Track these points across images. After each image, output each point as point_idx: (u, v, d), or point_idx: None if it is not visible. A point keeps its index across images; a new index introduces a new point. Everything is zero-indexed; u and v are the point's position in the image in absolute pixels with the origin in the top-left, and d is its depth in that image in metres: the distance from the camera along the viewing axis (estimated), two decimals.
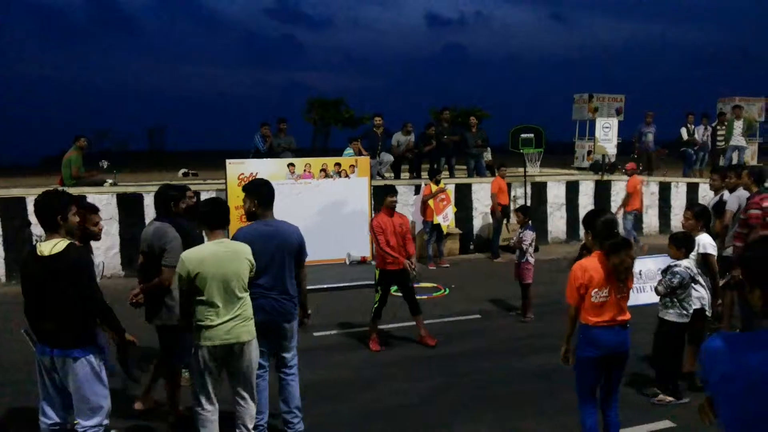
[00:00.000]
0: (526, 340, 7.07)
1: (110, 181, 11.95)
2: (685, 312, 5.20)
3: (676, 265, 5.18)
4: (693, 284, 5.25)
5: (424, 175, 13.42)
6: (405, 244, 6.78)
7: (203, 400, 4.07)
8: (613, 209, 13.53)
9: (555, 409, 5.13)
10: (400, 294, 7.15)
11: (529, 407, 5.27)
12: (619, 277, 3.95)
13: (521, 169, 13.95)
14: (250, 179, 10.51)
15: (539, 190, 13.77)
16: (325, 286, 9.43)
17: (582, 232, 4.51)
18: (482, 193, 13.01)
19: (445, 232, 11.78)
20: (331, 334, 7.37)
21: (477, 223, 13.18)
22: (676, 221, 14.85)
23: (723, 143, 15.59)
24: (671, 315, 5.22)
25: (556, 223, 13.89)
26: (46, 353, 3.71)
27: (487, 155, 15.03)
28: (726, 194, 7.14)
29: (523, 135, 13.16)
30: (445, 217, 11.68)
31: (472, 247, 12.94)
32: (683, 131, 15.80)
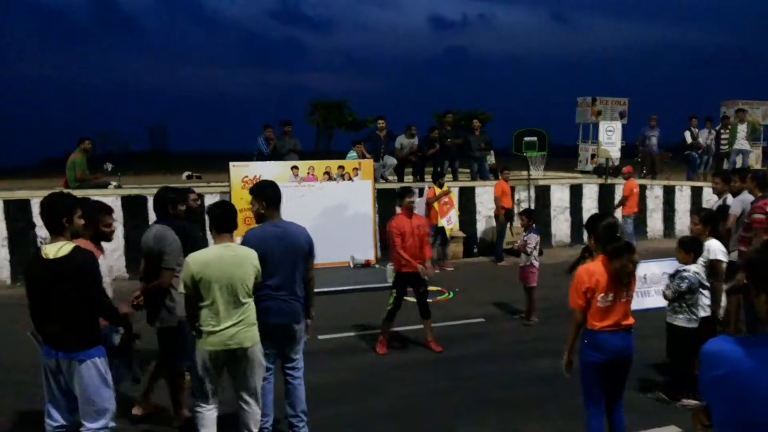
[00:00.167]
0: (531, 344, 7.06)
1: (114, 183, 11.98)
2: (694, 317, 5.17)
3: (684, 270, 5.16)
4: (702, 290, 5.21)
5: (428, 178, 13.42)
6: (422, 246, 6.74)
7: (202, 401, 4.09)
8: (617, 213, 13.54)
9: (559, 413, 5.12)
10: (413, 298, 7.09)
11: (534, 411, 5.27)
12: (622, 282, 3.94)
13: (525, 173, 13.95)
14: (254, 182, 10.61)
15: (543, 194, 13.76)
16: (329, 289, 9.43)
17: (586, 235, 4.51)
18: (486, 197, 13.01)
19: (449, 236, 11.78)
20: (335, 337, 7.37)
21: (481, 226, 13.18)
22: (680, 225, 14.84)
23: (727, 147, 15.56)
24: (680, 320, 5.19)
25: (560, 226, 13.88)
26: (51, 356, 3.71)
27: (491, 158, 15.04)
28: (729, 198, 7.13)
29: (526, 138, 13.17)
30: (449, 221, 11.67)
31: (475, 250, 12.93)
32: (687, 135, 15.78)
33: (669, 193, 14.89)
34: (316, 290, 4.78)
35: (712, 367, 1.83)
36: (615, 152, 14.63)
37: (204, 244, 4.74)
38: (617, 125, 14.92)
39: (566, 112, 20.43)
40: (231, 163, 11.06)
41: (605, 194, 14.19)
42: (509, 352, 6.82)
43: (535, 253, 7.84)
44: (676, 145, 16.87)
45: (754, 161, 16.86)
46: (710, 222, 5.61)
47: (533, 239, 7.81)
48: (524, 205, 13.35)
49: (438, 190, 11.35)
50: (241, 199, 10.80)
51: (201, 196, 11.09)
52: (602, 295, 3.94)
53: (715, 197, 7.86)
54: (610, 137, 14.52)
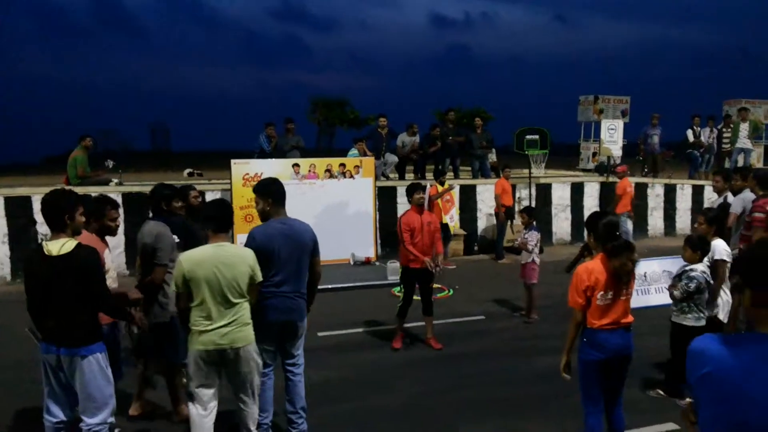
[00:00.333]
0: (531, 342, 7.06)
1: (116, 180, 11.99)
2: (702, 315, 5.14)
3: (692, 270, 5.10)
4: (709, 289, 5.18)
5: (429, 176, 13.43)
6: (433, 242, 6.75)
7: (197, 404, 4.01)
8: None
9: (560, 412, 5.12)
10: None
11: (534, 409, 5.27)
12: (621, 280, 3.94)
13: (526, 171, 13.95)
14: (256, 179, 10.62)
15: (544, 192, 13.76)
16: (330, 286, 9.44)
17: (586, 233, 4.51)
18: (487, 195, 13.01)
19: (452, 233, 11.80)
20: (335, 334, 7.38)
21: (481, 224, 13.19)
22: (681, 223, 14.84)
23: (729, 145, 15.54)
24: (689, 320, 5.13)
25: (561, 224, 13.88)
26: (51, 352, 3.72)
27: (492, 156, 15.03)
28: (729, 196, 7.12)
29: (528, 136, 13.15)
30: (452, 218, 11.71)
31: (476, 248, 12.94)
32: (689, 133, 15.76)
33: (670, 192, 14.88)
34: (317, 288, 4.80)
35: (698, 365, 1.84)
36: (617, 150, 14.62)
37: (205, 241, 4.75)
38: (619, 124, 14.91)
39: (568, 110, 20.43)
40: (232, 161, 11.07)
41: (606, 192, 14.18)
42: (509, 350, 6.83)
43: (536, 250, 7.84)
44: (678, 144, 16.85)
45: (756, 160, 16.86)
46: (716, 222, 5.60)
47: (534, 237, 7.81)
48: (525, 203, 13.35)
49: (440, 188, 11.35)
50: (242, 197, 10.83)
51: (202, 194, 11.12)
52: (601, 293, 3.94)
53: (716, 195, 7.85)
54: (612, 135, 14.52)
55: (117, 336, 4.73)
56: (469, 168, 14.44)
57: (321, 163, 11.56)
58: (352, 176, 11.47)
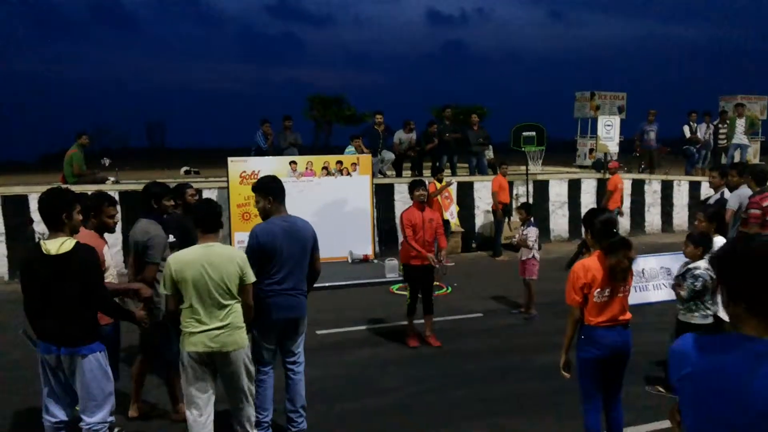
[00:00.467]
0: (529, 339, 7.07)
1: (112, 179, 11.97)
2: (709, 313, 5.08)
3: (695, 268, 5.03)
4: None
5: (426, 173, 13.43)
6: (436, 238, 6.74)
7: (192, 407, 3.96)
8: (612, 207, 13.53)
9: (559, 409, 5.13)
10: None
11: (533, 407, 5.27)
12: (616, 278, 3.93)
13: (523, 167, 13.96)
14: (252, 177, 10.61)
15: (541, 189, 13.76)
16: (328, 284, 9.42)
17: (583, 230, 4.50)
18: (484, 192, 13.01)
19: (452, 229, 11.82)
20: (334, 332, 7.38)
21: (479, 221, 13.20)
22: (678, 220, 14.86)
23: (725, 141, 15.57)
24: (696, 318, 5.06)
25: (558, 221, 13.89)
26: (51, 351, 3.71)
27: (489, 153, 15.03)
28: (726, 192, 7.14)
29: (524, 133, 13.15)
30: (452, 215, 11.73)
31: (474, 245, 12.94)
32: (686, 129, 15.78)
33: (667, 188, 14.91)
34: (314, 285, 4.81)
35: (680, 366, 1.85)
36: (613, 147, 14.63)
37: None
38: (616, 120, 14.92)
39: (564, 106, 20.43)
40: (229, 159, 11.05)
41: (603, 189, 14.20)
42: (508, 347, 6.83)
43: (536, 246, 7.88)
44: (675, 140, 16.87)
45: (752, 156, 16.87)
46: (715, 218, 5.60)
47: (533, 232, 7.85)
48: (522, 200, 13.36)
49: (438, 185, 11.35)
50: (239, 195, 10.82)
51: (199, 192, 11.10)
52: (598, 290, 3.94)
53: (712, 191, 7.87)
54: (609, 132, 14.53)
55: (118, 336, 4.73)
56: (466, 165, 14.44)
57: (318, 160, 11.55)
58: (349, 174, 11.46)
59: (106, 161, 12.85)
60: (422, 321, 6.97)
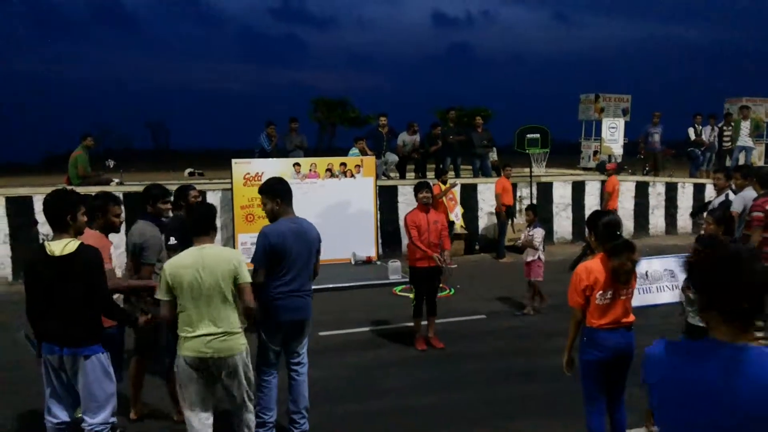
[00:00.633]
0: (533, 341, 7.06)
1: (116, 180, 12.00)
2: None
3: None
4: None
5: (430, 175, 13.43)
6: (441, 240, 6.73)
7: (190, 412, 3.92)
8: (620, 210, 13.50)
9: (561, 411, 5.12)
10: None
11: (536, 409, 5.26)
12: (620, 280, 3.93)
13: (527, 169, 13.94)
14: (256, 179, 10.63)
15: (545, 191, 13.75)
16: (330, 285, 9.44)
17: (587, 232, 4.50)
18: (488, 194, 13.00)
19: (458, 231, 11.82)
20: (336, 334, 7.38)
21: (482, 223, 13.18)
22: (683, 222, 14.82)
23: (730, 144, 15.54)
24: None
25: (562, 223, 13.87)
26: (54, 352, 3.72)
27: (493, 155, 15.02)
28: (731, 195, 7.12)
29: (529, 135, 13.15)
30: (456, 216, 11.74)
31: (477, 247, 12.93)
32: (691, 131, 15.74)
33: (671, 190, 14.87)
34: (317, 287, 4.83)
35: (653, 371, 1.85)
36: (618, 149, 14.62)
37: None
38: (620, 122, 14.92)
39: (569, 109, 20.40)
40: (233, 160, 11.08)
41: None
42: (511, 349, 6.82)
43: (541, 247, 7.91)
44: (680, 142, 16.84)
45: (757, 158, 16.83)
46: (723, 221, 5.59)
47: (539, 234, 7.90)
48: (526, 202, 13.35)
49: (443, 187, 11.36)
50: (243, 196, 10.84)
51: (203, 193, 11.12)
52: (600, 293, 3.93)
53: (715, 194, 7.84)
54: (613, 134, 14.54)
55: (122, 338, 4.74)
56: (470, 167, 14.44)
57: (322, 162, 11.57)
58: (353, 175, 11.47)
59: (111, 163, 12.89)
60: (425, 323, 6.96)
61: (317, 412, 4.93)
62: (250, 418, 4.12)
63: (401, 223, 11.22)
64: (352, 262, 11.25)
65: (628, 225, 13.72)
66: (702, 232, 6.00)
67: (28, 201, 10.50)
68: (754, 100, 18.22)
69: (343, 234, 11.00)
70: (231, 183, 11.03)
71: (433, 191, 11.30)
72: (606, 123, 14.68)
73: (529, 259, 7.99)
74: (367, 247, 11.46)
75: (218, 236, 11.06)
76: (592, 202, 13.92)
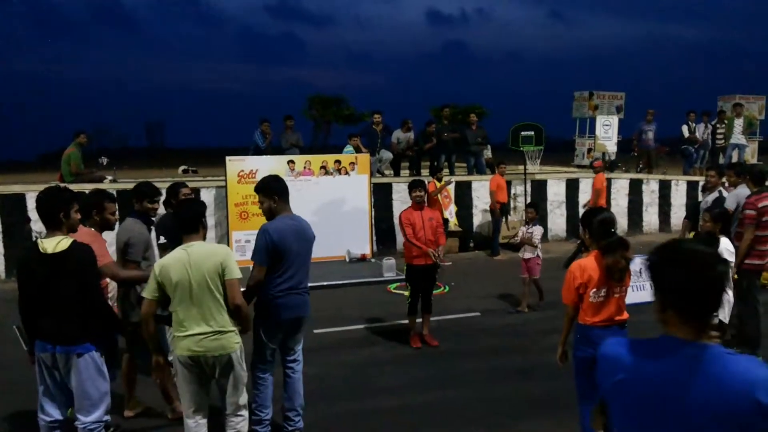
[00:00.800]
0: (528, 339, 7.07)
1: (110, 177, 11.96)
2: (715, 313, 5.09)
3: None
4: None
5: (424, 172, 13.43)
6: (437, 237, 6.73)
7: (188, 410, 3.91)
8: (613, 208, 13.55)
9: (557, 410, 5.12)
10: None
11: (531, 407, 5.27)
12: (613, 278, 3.94)
13: (521, 167, 13.96)
14: (251, 176, 10.61)
15: (539, 188, 13.77)
16: (325, 283, 9.44)
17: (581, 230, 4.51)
18: (482, 191, 13.01)
19: (452, 228, 11.83)
20: (331, 332, 7.37)
21: (477, 220, 13.19)
22: (676, 219, 14.85)
23: (723, 141, 15.59)
24: None
25: (556, 221, 13.89)
26: (47, 350, 3.71)
27: (487, 153, 15.03)
28: (724, 192, 7.14)
29: (523, 133, 13.15)
30: (451, 214, 11.75)
31: (471, 244, 12.94)
32: (684, 129, 15.79)
33: (665, 188, 14.90)
34: (312, 284, 4.82)
35: (612, 371, 1.82)
36: (612, 146, 14.64)
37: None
38: (614, 120, 14.94)
39: (563, 106, 20.44)
40: (227, 158, 11.03)
41: None
42: (506, 347, 6.83)
43: (540, 245, 7.98)
44: (673, 140, 16.88)
45: (750, 155, 16.89)
46: (721, 219, 5.61)
47: (538, 231, 7.98)
48: (521, 200, 13.38)
49: (438, 184, 11.36)
50: (237, 194, 10.81)
51: (197, 191, 11.09)
52: (594, 290, 3.94)
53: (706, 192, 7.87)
54: (607, 132, 14.55)
55: (116, 336, 4.72)
56: (465, 164, 14.44)
57: (316, 159, 11.54)
58: (347, 173, 11.45)
59: (104, 160, 12.84)
60: (420, 320, 6.96)
61: (312, 410, 4.93)
62: (244, 418, 4.04)
63: (396, 220, 11.21)
64: (347, 260, 11.24)
65: (621, 222, 13.75)
66: (699, 229, 6.03)
67: (21, 198, 10.45)
68: (747, 98, 18.28)
69: (338, 231, 10.99)
70: (225, 180, 11.00)
71: (428, 189, 11.40)
72: (600, 120, 14.70)
73: (528, 256, 8.04)
74: (362, 244, 11.46)
75: (212, 234, 11.04)
76: (586, 200, 13.92)
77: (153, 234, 5.05)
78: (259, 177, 9.14)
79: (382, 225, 12.23)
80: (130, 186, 10.97)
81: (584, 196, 14.04)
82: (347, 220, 11.32)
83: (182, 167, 18.37)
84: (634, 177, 14.77)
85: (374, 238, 11.91)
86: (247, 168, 10.91)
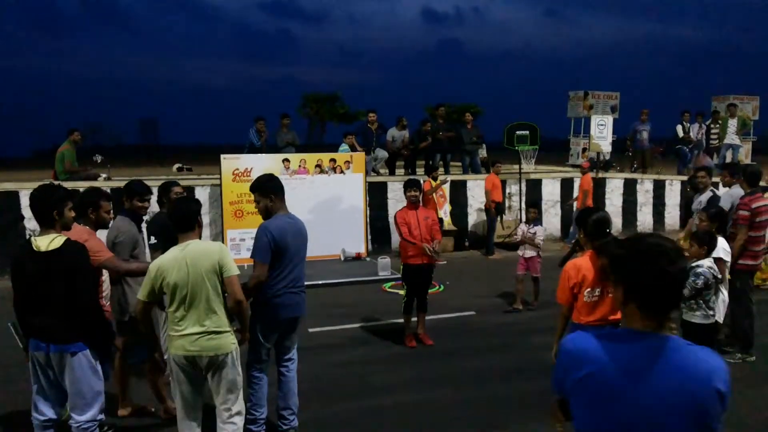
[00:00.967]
0: (523, 338, 7.08)
1: (104, 175, 11.92)
2: (711, 312, 5.05)
3: (698, 266, 5.01)
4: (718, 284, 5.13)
5: (419, 171, 13.44)
6: (432, 235, 6.72)
7: (180, 407, 3.89)
8: (608, 207, 13.59)
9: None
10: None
11: (527, 406, 5.26)
12: (608, 277, 3.94)
13: (516, 166, 13.98)
14: (245, 174, 10.60)
15: (534, 187, 13.79)
16: (320, 282, 9.43)
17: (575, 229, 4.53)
18: (477, 190, 13.03)
19: (446, 228, 11.84)
20: (326, 330, 7.37)
21: (472, 219, 13.21)
22: (670, 219, 14.93)
23: (717, 141, 15.65)
24: (697, 317, 5.04)
25: (551, 220, 13.92)
26: (41, 349, 3.69)
27: (482, 152, 15.05)
28: (719, 192, 7.17)
29: (518, 132, 13.18)
30: (445, 213, 11.77)
31: (466, 243, 12.96)
32: (679, 129, 15.85)
33: (659, 188, 14.96)
34: (307, 283, 4.82)
35: (577, 366, 1.81)
36: (606, 146, 14.66)
37: None
38: (609, 119, 14.94)
39: (558, 106, 20.48)
40: (222, 156, 11.01)
41: (596, 188, 14.22)
42: (501, 346, 6.84)
43: (541, 244, 8.14)
44: (668, 140, 16.94)
45: (744, 156, 16.96)
46: (717, 218, 5.63)
47: (541, 231, 8.08)
48: (515, 199, 13.41)
49: (433, 183, 11.37)
50: (232, 192, 10.79)
51: (191, 189, 11.06)
52: (588, 290, 3.95)
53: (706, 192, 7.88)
54: (602, 131, 14.54)
55: (113, 335, 4.71)
56: (460, 163, 14.46)
57: (311, 158, 11.53)
58: (342, 171, 11.45)
59: (98, 158, 12.77)
60: (415, 319, 6.96)
61: (306, 409, 4.92)
62: (240, 421, 3.97)
63: (391, 219, 11.23)
64: (342, 259, 11.24)
65: (616, 222, 13.79)
66: (694, 228, 6.05)
67: (14, 196, 10.40)
68: (742, 98, 18.35)
69: (333, 230, 10.99)
70: (220, 178, 10.98)
71: (423, 188, 11.41)
72: (595, 120, 14.69)
73: (529, 255, 8.09)
74: (357, 243, 11.46)
75: (207, 232, 11.01)
76: (571, 199, 13.99)
77: (144, 233, 5.04)
78: (253, 175, 9.09)
79: (377, 224, 12.23)
80: (123, 184, 11.05)
81: None
82: (342, 218, 11.32)
83: (177, 165, 18.29)
84: (629, 177, 14.82)
85: (369, 237, 11.91)
86: (242, 166, 10.89)
